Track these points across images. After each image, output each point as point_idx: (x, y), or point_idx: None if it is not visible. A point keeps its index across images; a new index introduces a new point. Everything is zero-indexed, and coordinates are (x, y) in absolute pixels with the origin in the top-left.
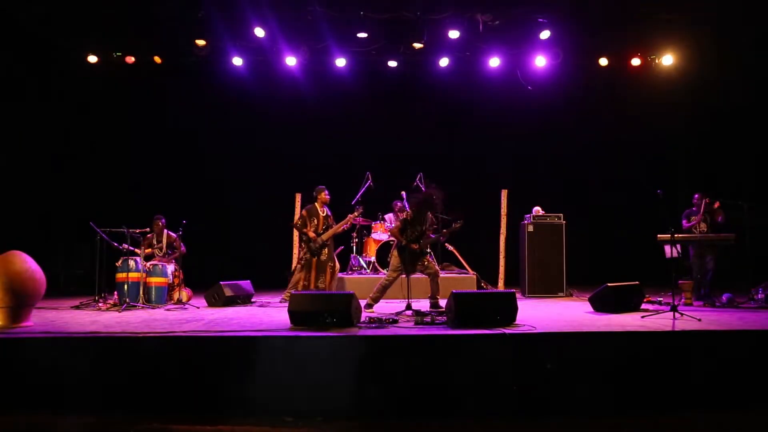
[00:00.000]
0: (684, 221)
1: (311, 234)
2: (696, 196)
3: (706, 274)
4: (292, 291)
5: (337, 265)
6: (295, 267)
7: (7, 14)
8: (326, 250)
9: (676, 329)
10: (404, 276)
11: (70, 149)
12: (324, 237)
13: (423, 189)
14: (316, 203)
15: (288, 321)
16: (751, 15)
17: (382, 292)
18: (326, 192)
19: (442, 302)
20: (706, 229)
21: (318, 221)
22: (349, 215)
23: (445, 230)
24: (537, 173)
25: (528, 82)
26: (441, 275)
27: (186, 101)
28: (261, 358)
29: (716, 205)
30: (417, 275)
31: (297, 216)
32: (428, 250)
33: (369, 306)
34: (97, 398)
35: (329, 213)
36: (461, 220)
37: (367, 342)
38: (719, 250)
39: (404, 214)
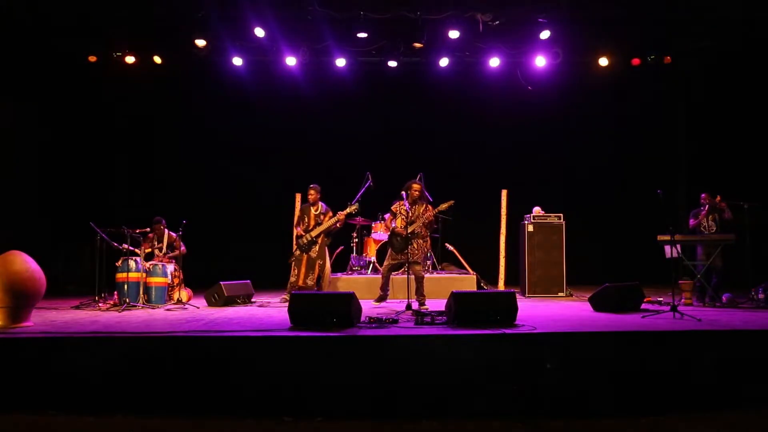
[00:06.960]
0: (691, 220)
1: (299, 231)
2: (703, 195)
3: (712, 276)
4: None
5: (327, 263)
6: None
7: (7, 14)
8: (316, 247)
9: (676, 329)
10: (404, 275)
11: (70, 149)
12: (313, 234)
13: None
14: (309, 203)
15: (288, 321)
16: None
17: (386, 283)
18: (312, 191)
19: (433, 303)
20: (715, 228)
21: (309, 219)
22: (339, 213)
23: (431, 207)
24: (537, 173)
25: (528, 82)
26: (441, 275)
27: (185, 101)
28: (261, 358)
29: (717, 198)
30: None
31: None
32: (424, 234)
33: (382, 298)
34: (97, 398)
35: (323, 212)
36: (450, 201)
37: (366, 342)
38: (724, 250)
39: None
